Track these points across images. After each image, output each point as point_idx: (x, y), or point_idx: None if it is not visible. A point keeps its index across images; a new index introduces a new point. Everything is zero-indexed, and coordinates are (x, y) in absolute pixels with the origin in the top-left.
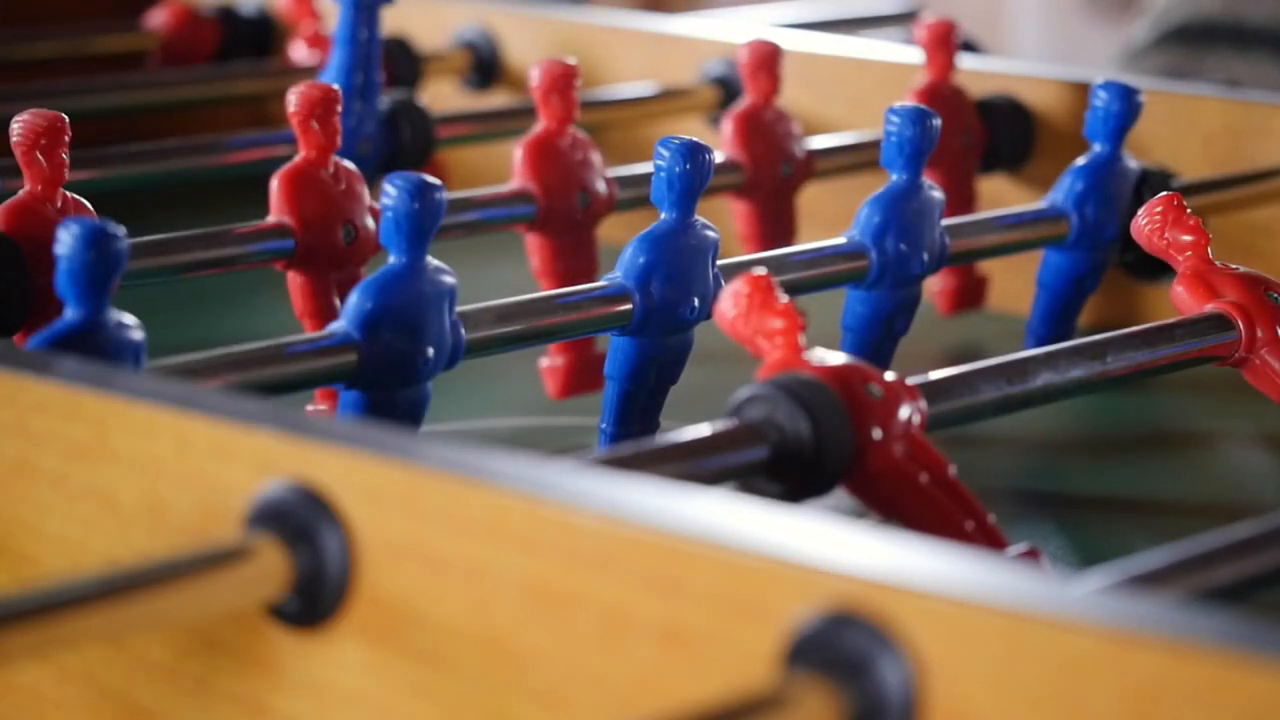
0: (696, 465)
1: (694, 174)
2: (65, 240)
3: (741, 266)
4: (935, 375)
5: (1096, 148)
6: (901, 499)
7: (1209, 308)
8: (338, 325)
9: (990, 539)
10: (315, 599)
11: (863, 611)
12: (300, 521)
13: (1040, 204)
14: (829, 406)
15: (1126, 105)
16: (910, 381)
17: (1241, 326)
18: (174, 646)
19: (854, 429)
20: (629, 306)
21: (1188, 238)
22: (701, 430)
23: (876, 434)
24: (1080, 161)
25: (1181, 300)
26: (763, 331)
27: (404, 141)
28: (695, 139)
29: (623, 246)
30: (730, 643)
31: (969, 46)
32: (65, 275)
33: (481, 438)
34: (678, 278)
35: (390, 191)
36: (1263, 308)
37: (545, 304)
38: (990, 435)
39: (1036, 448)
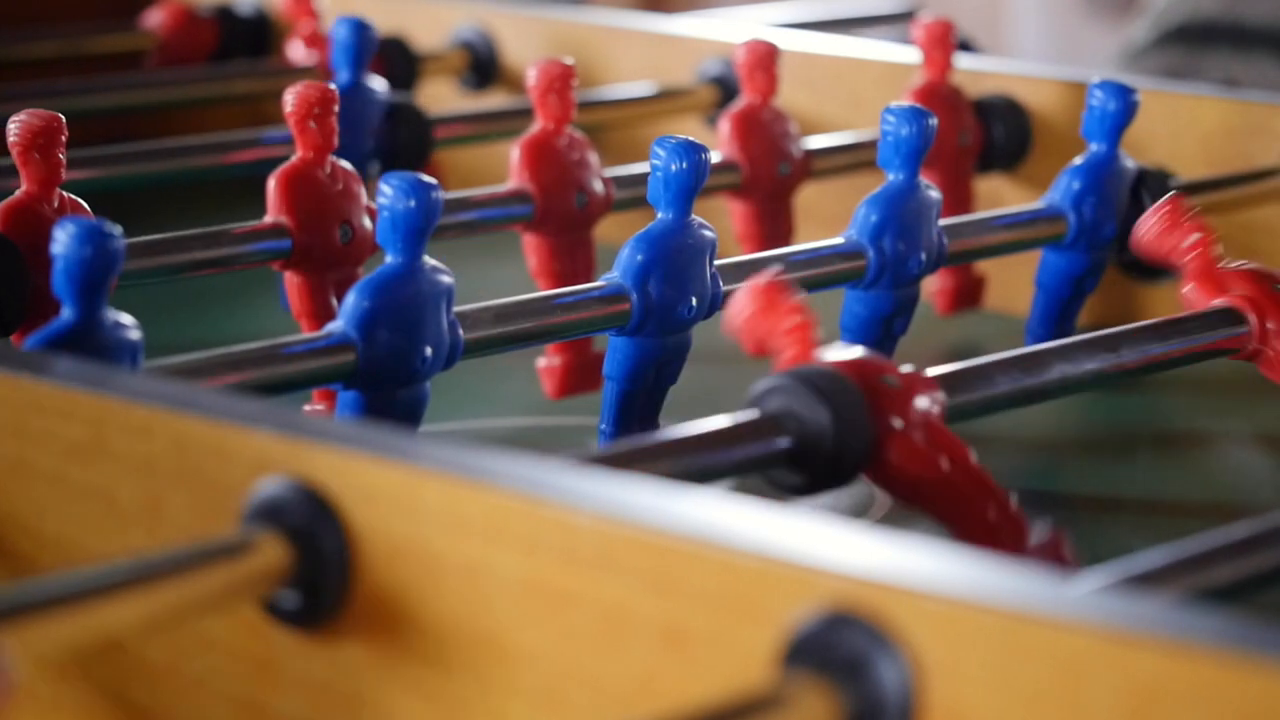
0: (717, 457)
1: (690, 173)
2: (61, 240)
3: (739, 266)
4: (950, 368)
5: (1094, 147)
6: (923, 486)
7: (1217, 302)
8: (335, 325)
9: (1013, 524)
10: (314, 598)
11: (861, 611)
12: (299, 521)
13: (1038, 204)
14: (846, 395)
15: (1123, 104)
16: (929, 373)
17: (1252, 319)
18: (174, 646)
19: (872, 417)
20: (627, 306)
21: (1190, 239)
22: (721, 422)
23: (896, 422)
24: (1077, 161)
25: (1194, 300)
26: (775, 332)
27: (400, 142)
28: (692, 138)
29: (620, 246)
30: (729, 642)
31: (965, 46)
32: (62, 275)
33: (480, 438)
34: (675, 277)
35: (387, 191)
36: (1272, 300)
37: (543, 304)
38: (992, 434)
39: (1037, 448)
